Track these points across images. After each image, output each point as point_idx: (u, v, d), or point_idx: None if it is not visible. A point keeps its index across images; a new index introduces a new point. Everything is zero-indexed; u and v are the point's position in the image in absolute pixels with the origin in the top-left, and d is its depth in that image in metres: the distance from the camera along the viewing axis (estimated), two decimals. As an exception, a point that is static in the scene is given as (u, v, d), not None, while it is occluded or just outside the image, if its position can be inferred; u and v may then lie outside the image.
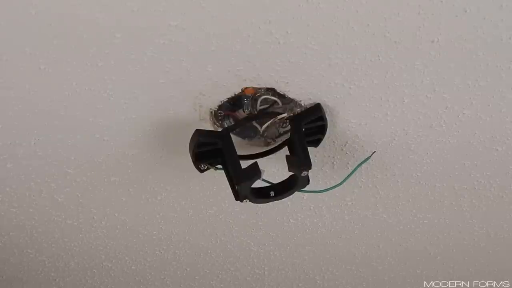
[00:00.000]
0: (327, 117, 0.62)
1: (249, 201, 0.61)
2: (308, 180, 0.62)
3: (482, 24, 0.48)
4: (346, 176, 0.68)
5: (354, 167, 0.73)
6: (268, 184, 0.63)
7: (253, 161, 0.61)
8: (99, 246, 0.94)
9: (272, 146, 0.67)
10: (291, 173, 0.62)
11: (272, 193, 0.62)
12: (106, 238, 0.92)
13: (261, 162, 0.61)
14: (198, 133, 0.59)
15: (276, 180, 0.64)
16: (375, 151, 0.70)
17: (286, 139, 0.65)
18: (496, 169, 0.73)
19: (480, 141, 0.67)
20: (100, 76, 0.56)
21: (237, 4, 0.46)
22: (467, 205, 0.83)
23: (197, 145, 0.59)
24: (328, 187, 0.70)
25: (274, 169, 0.70)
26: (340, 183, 0.68)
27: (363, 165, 0.73)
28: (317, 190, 0.68)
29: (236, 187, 0.59)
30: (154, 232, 0.91)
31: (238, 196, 0.60)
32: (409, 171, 0.75)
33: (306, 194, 0.79)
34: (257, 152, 0.66)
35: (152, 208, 0.85)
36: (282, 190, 0.63)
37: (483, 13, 0.47)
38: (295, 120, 0.61)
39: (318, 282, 1.08)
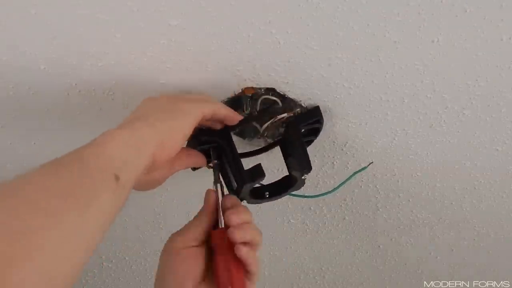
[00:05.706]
0: (324, 118, 0.62)
1: (246, 201, 0.59)
2: (304, 183, 0.61)
3: (482, 24, 0.48)
4: (339, 183, 0.68)
5: (353, 167, 0.74)
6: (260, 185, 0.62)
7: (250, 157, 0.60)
8: (99, 246, 0.94)
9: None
10: (285, 174, 0.61)
11: (267, 194, 0.60)
12: (106, 238, 0.92)
13: (250, 160, 0.60)
14: (197, 130, 0.56)
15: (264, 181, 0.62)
16: (372, 162, 0.71)
17: (278, 139, 0.64)
18: (496, 169, 0.73)
19: (480, 141, 0.67)
20: (100, 76, 0.56)
21: (237, 4, 0.46)
22: (467, 204, 0.83)
23: (196, 143, 0.57)
24: (327, 190, 0.70)
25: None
26: (332, 190, 0.68)
27: (361, 165, 0.73)
28: (308, 195, 0.66)
29: (235, 188, 0.57)
30: (154, 232, 0.91)
31: (238, 197, 0.58)
32: (409, 171, 0.75)
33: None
34: (248, 151, 0.65)
35: (152, 208, 0.85)
36: (277, 191, 0.61)
37: (483, 13, 0.47)
38: (295, 121, 0.60)
39: (318, 282, 1.08)
